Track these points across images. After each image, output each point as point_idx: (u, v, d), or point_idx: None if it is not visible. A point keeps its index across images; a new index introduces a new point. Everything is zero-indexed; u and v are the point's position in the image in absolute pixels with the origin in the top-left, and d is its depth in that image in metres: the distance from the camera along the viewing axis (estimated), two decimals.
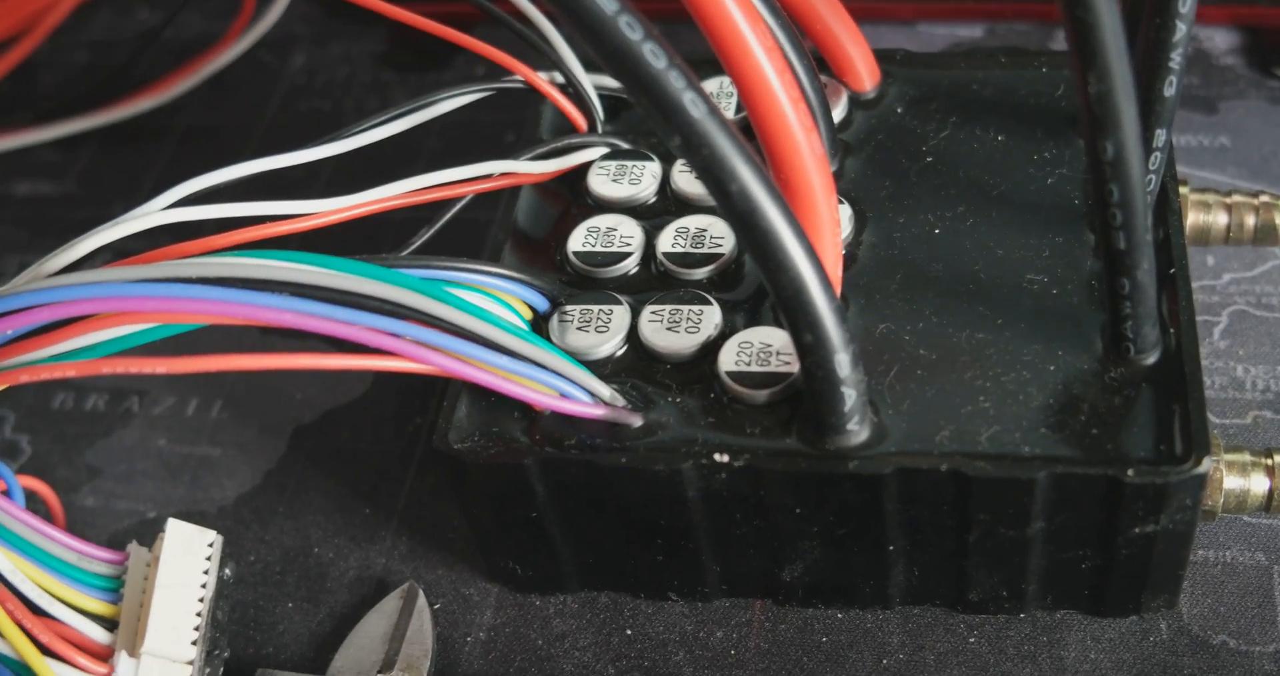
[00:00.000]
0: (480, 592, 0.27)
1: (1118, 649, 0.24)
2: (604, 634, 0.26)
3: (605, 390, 0.23)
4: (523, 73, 0.27)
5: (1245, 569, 0.25)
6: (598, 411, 0.23)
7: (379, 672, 0.26)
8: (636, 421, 0.23)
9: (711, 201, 0.26)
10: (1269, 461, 0.24)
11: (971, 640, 0.25)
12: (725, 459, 0.23)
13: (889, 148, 0.27)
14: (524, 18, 0.28)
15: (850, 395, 0.22)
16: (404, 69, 0.37)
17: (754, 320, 0.24)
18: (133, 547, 0.25)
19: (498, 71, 0.36)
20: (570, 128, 0.28)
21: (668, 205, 0.27)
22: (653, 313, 0.24)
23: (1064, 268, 0.24)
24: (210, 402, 0.31)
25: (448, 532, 0.28)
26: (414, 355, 0.22)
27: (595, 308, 0.25)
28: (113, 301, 0.22)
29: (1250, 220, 0.27)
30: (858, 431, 0.23)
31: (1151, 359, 0.23)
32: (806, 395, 0.23)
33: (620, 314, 0.25)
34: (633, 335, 0.24)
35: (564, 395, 0.23)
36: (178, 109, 0.37)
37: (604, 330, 0.24)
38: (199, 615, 0.25)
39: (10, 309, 0.23)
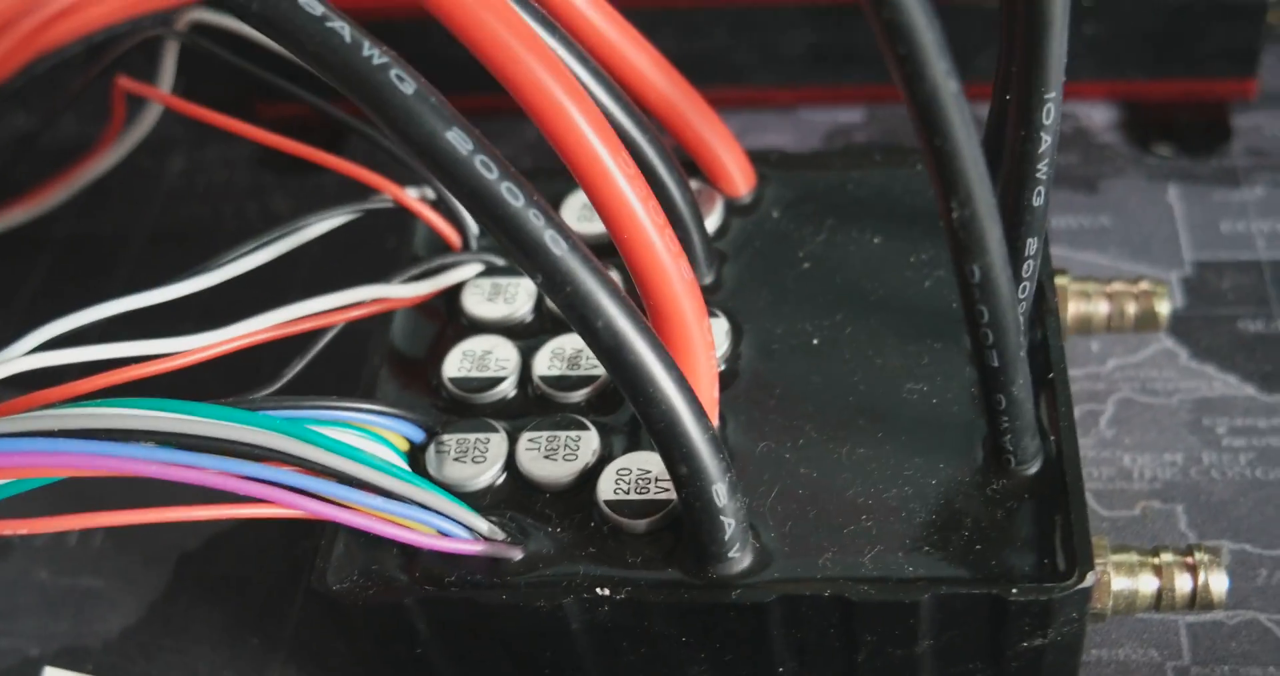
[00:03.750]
0: None
1: None
2: None
3: (484, 525, 0.23)
4: (390, 191, 0.27)
5: (1139, 666, 0.25)
6: (476, 547, 0.23)
7: None
8: (516, 554, 0.23)
9: None
10: (1155, 560, 0.24)
11: None
12: (606, 592, 0.22)
13: (766, 254, 0.26)
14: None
15: (729, 524, 0.22)
16: (282, 170, 0.36)
17: (633, 444, 0.24)
18: None
19: (390, 170, 0.36)
20: (445, 244, 0.27)
21: (544, 323, 0.26)
22: (530, 440, 0.24)
23: (943, 376, 0.24)
24: (93, 531, 0.30)
25: (337, 662, 0.27)
26: (284, 501, 0.22)
27: (472, 436, 0.24)
28: None
29: (1131, 308, 0.27)
30: (739, 558, 0.22)
31: (1033, 468, 0.23)
32: (686, 525, 0.22)
33: (497, 442, 0.24)
34: (510, 463, 0.24)
35: (442, 533, 0.23)
36: (55, 219, 0.36)
37: (481, 460, 0.24)
38: None
39: None
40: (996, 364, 0.21)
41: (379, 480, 0.22)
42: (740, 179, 0.27)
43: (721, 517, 0.22)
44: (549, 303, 0.26)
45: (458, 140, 0.19)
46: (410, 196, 0.27)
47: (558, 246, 0.19)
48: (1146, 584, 0.24)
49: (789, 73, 0.34)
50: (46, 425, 0.21)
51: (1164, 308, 0.27)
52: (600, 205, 0.21)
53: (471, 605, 0.23)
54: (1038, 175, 0.22)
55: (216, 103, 0.30)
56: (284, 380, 0.25)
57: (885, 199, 0.27)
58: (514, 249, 0.19)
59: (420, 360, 0.26)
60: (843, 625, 0.22)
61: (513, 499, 0.24)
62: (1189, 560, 0.24)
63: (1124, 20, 0.32)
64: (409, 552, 0.23)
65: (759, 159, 0.28)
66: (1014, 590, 0.21)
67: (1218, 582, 0.23)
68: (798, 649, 0.23)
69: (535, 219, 0.19)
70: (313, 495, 0.22)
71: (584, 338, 0.20)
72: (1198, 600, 0.24)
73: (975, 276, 0.20)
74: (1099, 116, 0.34)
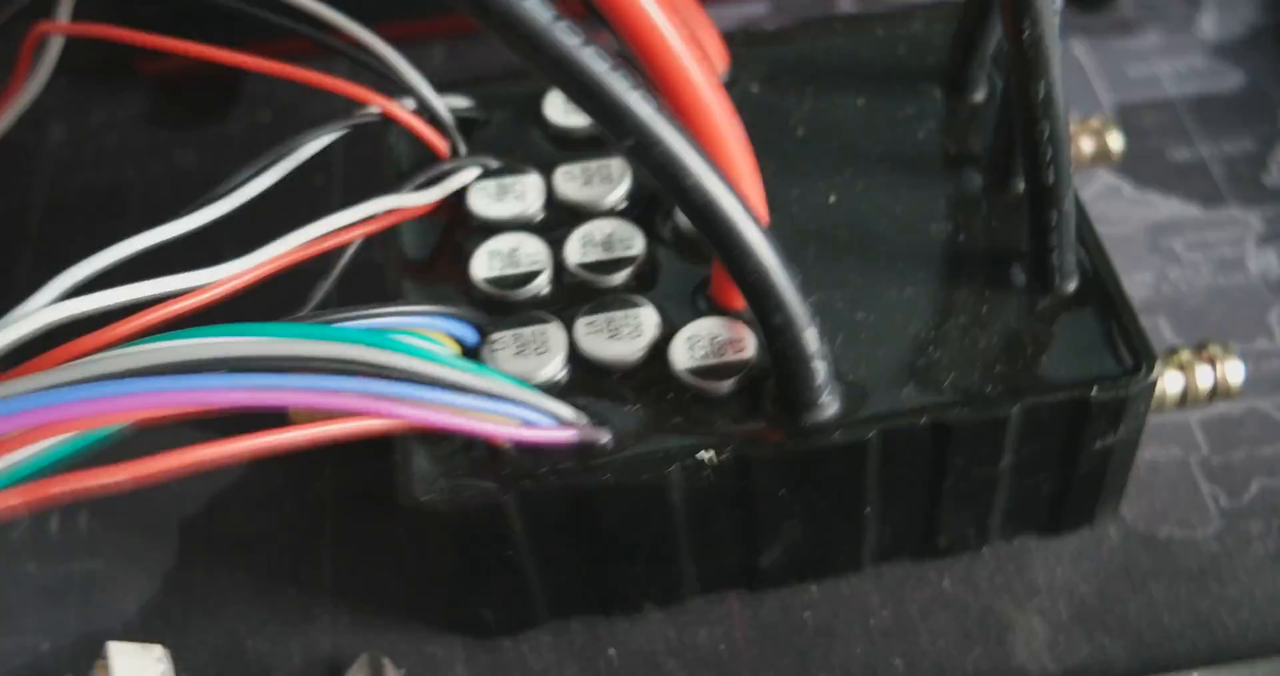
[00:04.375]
0: (444, 648, 0.26)
1: (1079, 560, 0.25)
2: (587, 659, 0.25)
3: (568, 411, 0.23)
4: (379, 103, 0.26)
5: (1166, 464, 0.27)
6: (567, 434, 0.23)
7: None
8: (604, 437, 0.23)
9: (602, 205, 0.26)
10: (1176, 359, 0.26)
11: (945, 584, 0.25)
12: (710, 455, 0.22)
13: (759, 126, 0.26)
14: (361, 47, 0.26)
15: (821, 369, 0.22)
16: (180, 126, 0.35)
17: (685, 315, 0.24)
18: None
19: (300, 112, 0.34)
20: (426, 156, 0.27)
21: (557, 215, 0.26)
22: (588, 324, 0.24)
23: (963, 213, 0.25)
24: (73, 515, 0.28)
25: (388, 595, 0.26)
26: (379, 411, 0.21)
27: (527, 329, 0.24)
28: (27, 416, 0.20)
29: (1087, 145, 0.29)
30: (829, 403, 0.23)
31: (1072, 284, 0.24)
32: (778, 376, 0.23)
33: (554, 331, 0.24)
34: (572, 351, 0.24)
35: (529, 424, 0.22)
36: None
37: (543, 351, 0.24)
38: None
39: None
40: (1052, 180, 0.22)
41: (461, 378, 0.22)
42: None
43: (814, 364, 0.22)
44: (560, 193, 0.26)
45: (536, 9, 0.18)
46: (399, 107, 0.26)
47: (644, 107, 0.19)
48: (1173, 382, 0.25)
49: None
50: (110, 367, 0.20)
51: (1116, 141, 0.29)
52: (650, 57, 0.21)
53: (571, 494, 0.23)
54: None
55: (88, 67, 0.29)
56: (315, 301, 0.24)
57: (856, 63, 0.28)
58: (602, 114, 0.19)
59: (439, 268, 0.25)
60: (935, 453, 0.23)
61: (581, 385, 0.23)
62: (1205, 355, 0.26)
63: None
64: (490, 452, 0.23)
65: (725, 39, 0.28)
66: (1094, 390, 0.23)
67: (1234, 371, 0.25)
68: (885, 486, 0.24)
69: (621, 81, 0.19)
70: (402, 401, 0.21)
71: (674, 197, 0.20)
72: (1218, 390, 0.26)
73: (1040, 94, 0.21)
74: None
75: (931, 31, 0.28)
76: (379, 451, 0.28)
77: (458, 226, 0.26)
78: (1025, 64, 0.21)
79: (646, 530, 0.23)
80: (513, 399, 0.22)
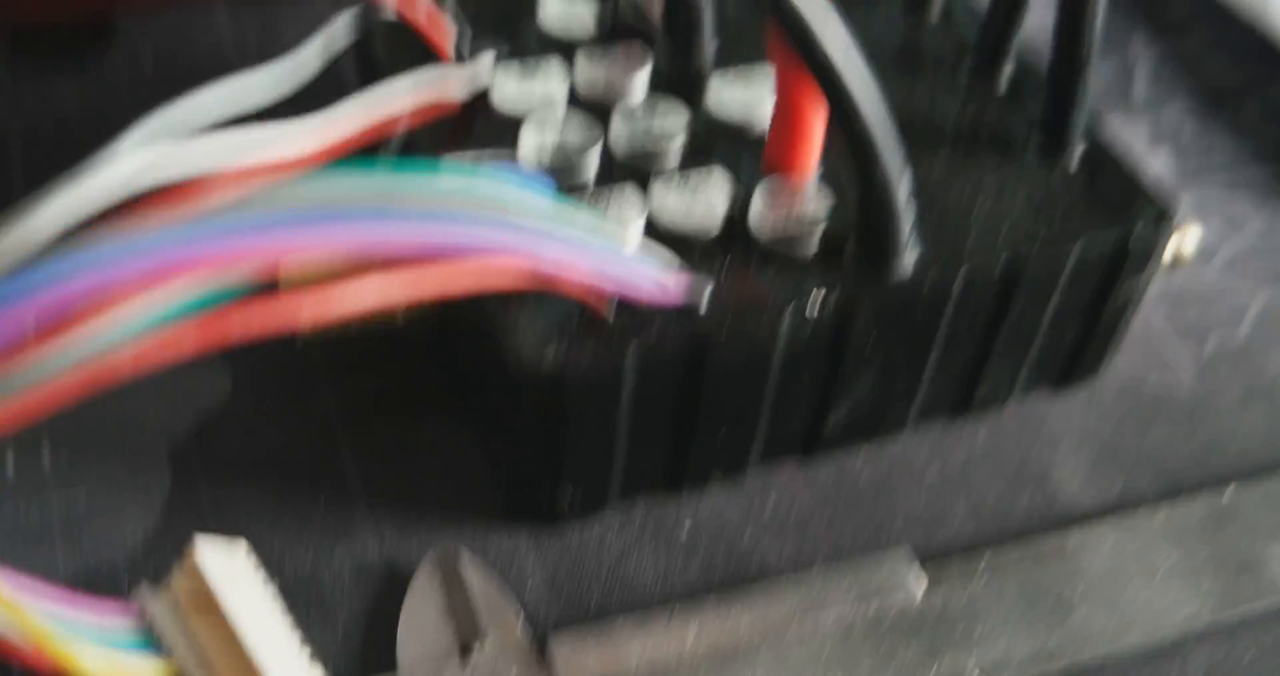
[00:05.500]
0: (509, 538, 0.25)
1: (1088, 409, 0.27)
2: (663, 536, 0.25)
3: (673, 265, 0.22)
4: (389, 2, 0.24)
5: (1138, 323, 0.29)
6: (680, 292, 0.22)
7: (462, 656, 0.22)
8: (705, 295, 0.23)
9: (622, 87, 0.25)
10: None
11: (981, 438, 0.27)
12: (817, 305, 0.23)
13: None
14: None
15: (908, 219, 0.23)
16: (51, 71, 0.31)
17: (747, 180, 0.24)
18: (141, 593, 0.20)
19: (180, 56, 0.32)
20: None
21: (584, 99, 0.26)
22: (663, 190, 0.24)
23: (969, 96, 0.27)
24: (33, 451, 0.25)
25: (427, 496, 0.25)
26: (544, 259, 0.20)
27: (606, 197, 0.23)
28: (167, 255, 0.18)
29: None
30: (910, 255, 0.24)
31: (1080, 150, 0.26)
32: (867, 226, 0.23)
33: (631, 196, 0.23)
34: (649, 219, 0.23)
35: (660, 278, 0.22)
36: None
37: (626, 218, 0.23)
38: (294, 635, 0.20)
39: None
40: (1085, 53, 0.24)
41: (595, 229, 0.21)
42: None
43: (904, 212, 0.23)
44: (583, 74, 0.26)
45: None
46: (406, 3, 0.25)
47: None
48: None
49: None
50: (248, 205, 0.18)
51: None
52: None
53: (689, 348, 0.22)
54: None
55: None
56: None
57: None
58: None
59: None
60: (1000, 297, 0.25)
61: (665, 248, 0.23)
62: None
63: None
64: (587, 318, 0.22)
65: None
66: (1138, 224, 0.25)
67: (1192, 238, 0.28)
68: (949, 336, 0.25)
69: None
70: (560, 247, 0.21)
71: (803, 46, 0.21)
72: (1178, 257, 0.28)
73: None
74: None
75: None
76: (367, 368, 0.26)
77: (473, 118, 0.25)
78: None
79: (742, 388, 0.24)
80: (632, 256, 0.22)
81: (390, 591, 0.24)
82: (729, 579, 0.24)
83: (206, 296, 0.18)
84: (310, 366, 0.26)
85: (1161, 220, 0.25)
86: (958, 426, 0.27)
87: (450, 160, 0.22)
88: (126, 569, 0.23)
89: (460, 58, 0.26)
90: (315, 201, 0.19)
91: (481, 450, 0.25)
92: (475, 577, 0.24)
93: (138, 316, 0.18)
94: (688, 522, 0.25)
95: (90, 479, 0.25)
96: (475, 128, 0.25)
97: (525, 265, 0.20)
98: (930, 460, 0.26)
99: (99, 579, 0.23)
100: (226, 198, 0.18)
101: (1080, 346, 0.27)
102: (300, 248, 0.18)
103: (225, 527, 0.24)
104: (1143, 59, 0.36)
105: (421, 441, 0.26)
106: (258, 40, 0.33)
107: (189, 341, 0.18)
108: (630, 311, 0.22)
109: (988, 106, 0.27)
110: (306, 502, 0.25)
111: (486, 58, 0.25)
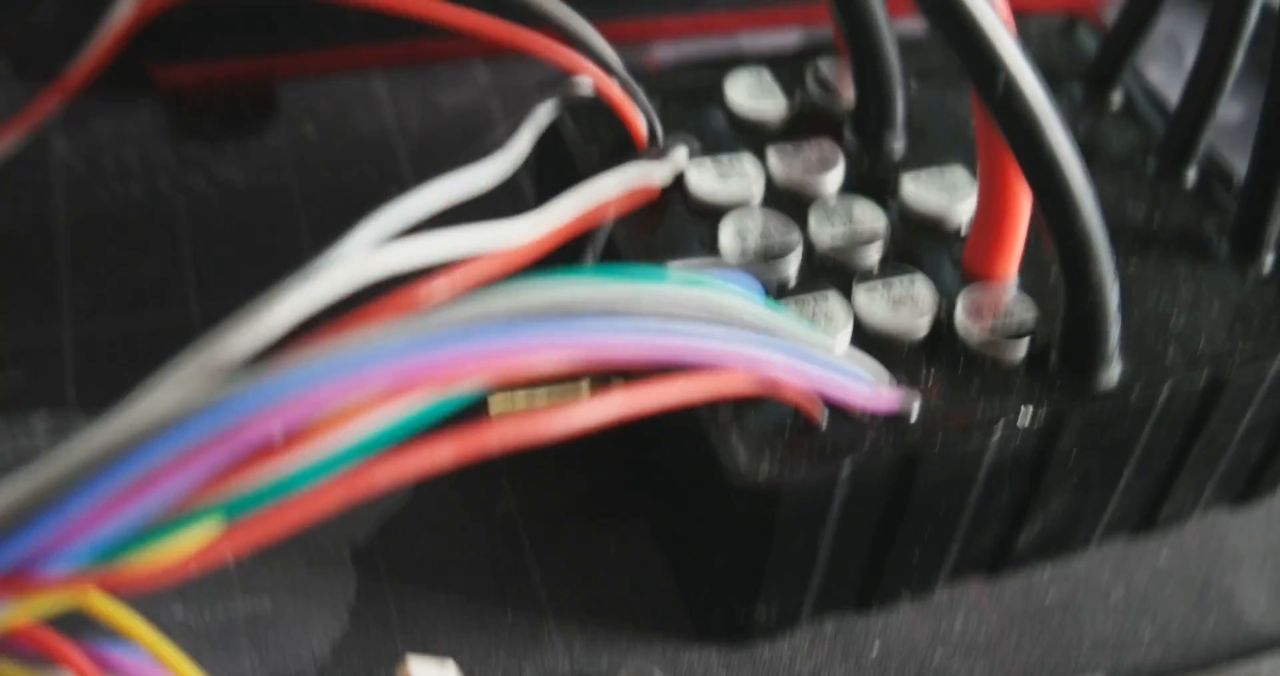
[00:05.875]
0: (700, 659, 0.24)
1: (1269, 528, 0.27)
2: (853, 656, 0.24)
3: (886, 376, 0.22)
4: (595, 77, 0.24)
5: None
6: (894, 401, 0.22)
7: None
8: (917, 405, 0.22)
9: (816, 187, 0.25)
10: None
11: (1164, 558, 0.26)
12: (1029, 417, 0.22)
13: (939, 126, 0.27)
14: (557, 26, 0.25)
15: (1116, 327, 0.23)
16: (212, 138, 0.31)
17: (945, 287, 0.24)
18: None
19: (345, 123, 0.33)
20: (614, 138, 0.26)
21: (776, 197, 0.25)
22: (868, 293, 0.23)
23: (1147, 202, 0.26)
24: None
25: (614, 609, 0.24)
26: (767, 370, 0.20)
27: (808, 297, 0.23)
28: (397, 369, 0.17)
29: None
30: (1117, 365, 0.23)
31: (1272, 256, 0.26)
32: (1076, 335, 0.23)
33: (836, 303, 0.23)
34: (856, 323, 0.23)
35: (874, 388, 0.22)
36: None
37: (832, 323, 0.23)
38: None
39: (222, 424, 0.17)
40: None
41: (812, 340, 0.21)
42: None
43: (1114, 321, 0.23)
44: (777, 173, 0.25)
45: None
46: (613, 85, 0.24)
47: (1019, 56, 0.20)
48: None
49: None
50: (485, 311, 0.18)
51: None
52: None
53: (901, 462, 0.22)
54: None
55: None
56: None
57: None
58: (982, 61, 0.19)
59: (659, 249, 0.24)
60: (1200, 411, 0.24)
61: (869, 354, 0.23)
62: None
63: None
64: (798, 429, 0.22)
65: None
66: None
67: None
68: (1145, 451, 0.24)
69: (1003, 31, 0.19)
70: (782, 361, 0.20)
71: (1025, 149, 0.20)
72: None
73: None
74: None
75: (1073, 35, 0.30)
76: (553, 473, 0.26)
77: (667, 208, 0.25)
78: None
79: (946, 503, 0.23)
80: (843, 361, 0.22)
81: None
82: None
83: (442, 404, 0.18)
84: (493, 470, 0.26)
85: None
86: (1139, 544, 0.26)
87: (673, 266, 0.22)
88: None
89: (653, 139, 0.25)
90: (545, 307, 0.18)
91: (669, 562, 0.25)
92: None
93: (377, 427, 0.18)
94: (877, 643, 0.24)
95: (276, 584, 0.24)
96: (674, 217, 0.25)
97: (746, 373, 0.20)
98: (1115, 579, 0.26)
99: None
100: (459, 305, 0.18)
101: (1265, 462, 0.26)
102: (533, 355, 0.18)
103: (413, 638, 0.23)
104: None
105: (607, 551, 0.25)
106: (417, 106, 0.33)
107: (446, 455, 0.17)
108: (843, 422, 0.22)
109: (1176, 206, 0.26)
110: (494, 613, 0.24)
111: (681, 152, 0.25)
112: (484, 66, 0.34)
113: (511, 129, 0.23)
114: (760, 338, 0.20)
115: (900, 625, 0.25)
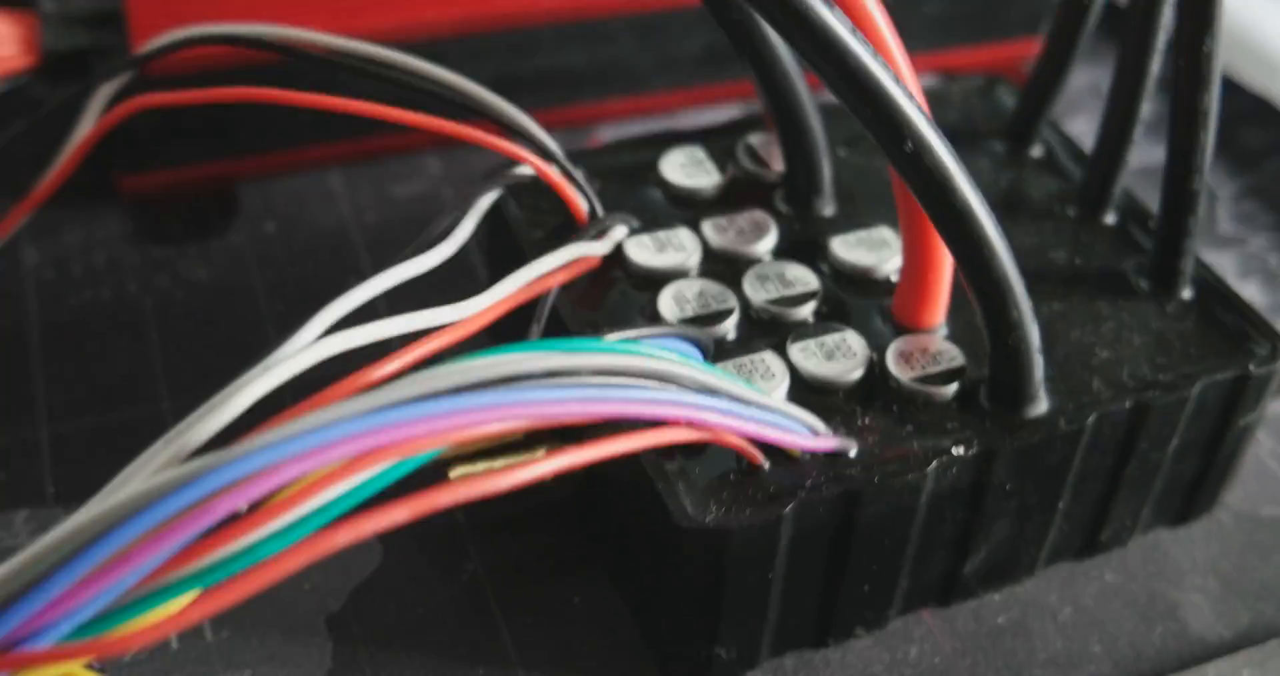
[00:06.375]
0: None
1: (1208, 542, 0.28)
2: None
3: (818, 422, 0.23)
4: (533, 164, 0.26)
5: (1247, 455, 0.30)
6: (833, 442, 0.23)
7: None
8: (853, 445, 0.24)
9: (757, 252, 0.27)
10: None
11: (1108, 577, 0.27)
12: (962, 451, 0.24)
13: (865, 186, 0.29)
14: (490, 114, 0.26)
15: (1040, 363, 0.24)
16: (177, 240, 0.33)
17: (875, 337, 0.25)
18: None
19: (303, 220, 0.34)
20: (557, 218, 0.27)
21: (713, 266, 0.27)
22: (801, 350, 0.25)
23: (1068, 243, 0.28)
24: (197, 630, 0.25)
25: (584, 660, 0.25)
26: (705, 422, 0.21)
27: (745, 358, 0.24)
28: (358, 441, 0.19)
29: None
30: (1042, 398, 0.25)
31: (1187, 288, 0.27)
32: (1002, 373, 0.24)
33: (772, 358, 0.25)
34: (794, 374, 0.25)
35: (811, 433, 0.23)
36: None
37: (769, 377, 0.24)
38: None
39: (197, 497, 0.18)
40: (1196, 187, 0.26)
41: (748, 394, 0.22)
42: None
43: (1036, 358, 0.24)
44: (713, 243, 0.27)
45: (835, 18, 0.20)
46: (551, 169, 0.26)
47: (920, 116, 0.21)
48: None
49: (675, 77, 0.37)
50: (438, 384, 0.19)
51: None
52: None
53: (841, 501, 0.23)
54: None
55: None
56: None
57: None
58: (885, 121, 0.21)
59: (602, 319, 0.26)
60: (1126, 438, 0.25)
61: (808, 406, 0.24)
62: None
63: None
64: (741, 474, 0.23)
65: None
66: (1252, 366, 0.26)
67: None
68: (1079, 477, 0.25)
69: (901, 89, 0.21)
70: (713, 413, 0.22)
71: (934, 204, 0.22)
72: None
73: (1204, 105, 0.25)
74: None
75: (992, 94, 0.32)
76: (515, 532, 0.27)
77: (617, 280, 0.26)
78: (1197, 78, 0.24)
79: (890, 537, 0.24)
80: (780, 411, 0.23)
81: None
82: None
83: (397, 468, 0.19)
84: (457, 529, 0.27)
85: (1276, 356, 0.26)
86: (1084, 565, 0.27)
87: (610, 336, 0.23)
88: None
89: (593, 217, 0.27)
90: (490, 377, 0.20)
91: (633, 610, 0.26)
92: None
93: (338, 495, 0.19)
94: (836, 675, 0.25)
95: (255, 657, 0.25)
96: (615, 290, 0.26)
97: (687, 426, 0.21)
98: (1062, 600, 0.27)
99: None
100: (411, 380, 0.19)
101: (1198, 481, 0.28)
102: (483, 422, 0.19)
103: None
104: (1223, 192, 0.37)
105: (571, 603, 0.26)
106: (372, 198, 0.34)
107: (400, 515, 0.18)
108: (784, 465, 0.23)
109: (1096, 248, 0.28)
110: (466, 672, 0.25)
111: (619, 229, 0.27)
112: (435, 158, 0.35)
113: (457, 216, 0.25)
114: (698, 394, 0.22)
115: (857, 657, 0.26)
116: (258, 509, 0.18)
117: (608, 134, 0.37)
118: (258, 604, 0.26)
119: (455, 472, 0.23)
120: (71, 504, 0.27)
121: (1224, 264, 0.35)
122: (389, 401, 0.19)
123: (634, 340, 0.23)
